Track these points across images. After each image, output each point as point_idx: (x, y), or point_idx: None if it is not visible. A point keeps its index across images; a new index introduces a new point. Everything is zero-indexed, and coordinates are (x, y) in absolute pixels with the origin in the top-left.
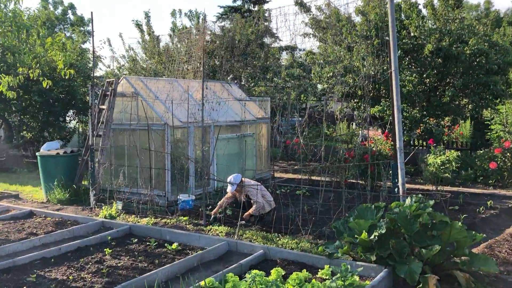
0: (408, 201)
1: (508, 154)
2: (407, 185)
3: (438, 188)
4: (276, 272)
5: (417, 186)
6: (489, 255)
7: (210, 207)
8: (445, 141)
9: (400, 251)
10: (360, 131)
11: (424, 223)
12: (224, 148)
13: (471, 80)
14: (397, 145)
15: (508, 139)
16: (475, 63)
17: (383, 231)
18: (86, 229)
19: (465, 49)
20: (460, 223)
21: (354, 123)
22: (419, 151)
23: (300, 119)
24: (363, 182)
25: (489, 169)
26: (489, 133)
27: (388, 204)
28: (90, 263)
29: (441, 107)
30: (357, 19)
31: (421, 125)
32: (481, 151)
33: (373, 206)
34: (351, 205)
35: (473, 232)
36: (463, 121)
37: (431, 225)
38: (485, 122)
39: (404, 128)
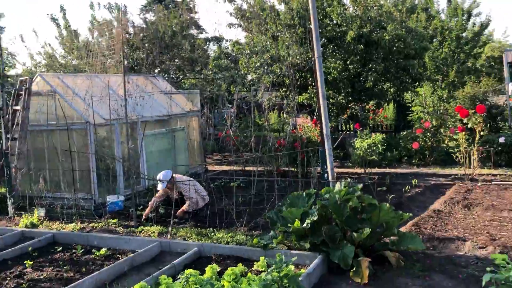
0: (337, 186)
1: (428, 134)
2: (337, 170)
3: (366, 171)
4: (210, 270)
5: (346, 170)
6: (416, 233)
7: (141, 207)
8: (371, 125)
9: (332, 236)
10: (290, 120)
11: (354, 207)
12: (153, 144)
13: (391, 64)
14: (324, 132)
15: (428, 119)
16: (394, 48)
17: (315, 218)
18: (3, 241)
19: (384, 35)
20: (388, 204)
21: (284, 112)
22: (346, 136)
23: (231, 110)
24: (294, 169)
25: (412, 149)
26: (410, 115)
27: (319, 190)
28: (9, 278)
29: (365, 92)
30: (281, 7)
31: (347, 110)
32: (404, 133)
33: (304, 193)
34: (284, 194)
35: (400, 212)
36: (386, 105)
37: (361, 208)
38: (407, 105)
39: (331, 114)
